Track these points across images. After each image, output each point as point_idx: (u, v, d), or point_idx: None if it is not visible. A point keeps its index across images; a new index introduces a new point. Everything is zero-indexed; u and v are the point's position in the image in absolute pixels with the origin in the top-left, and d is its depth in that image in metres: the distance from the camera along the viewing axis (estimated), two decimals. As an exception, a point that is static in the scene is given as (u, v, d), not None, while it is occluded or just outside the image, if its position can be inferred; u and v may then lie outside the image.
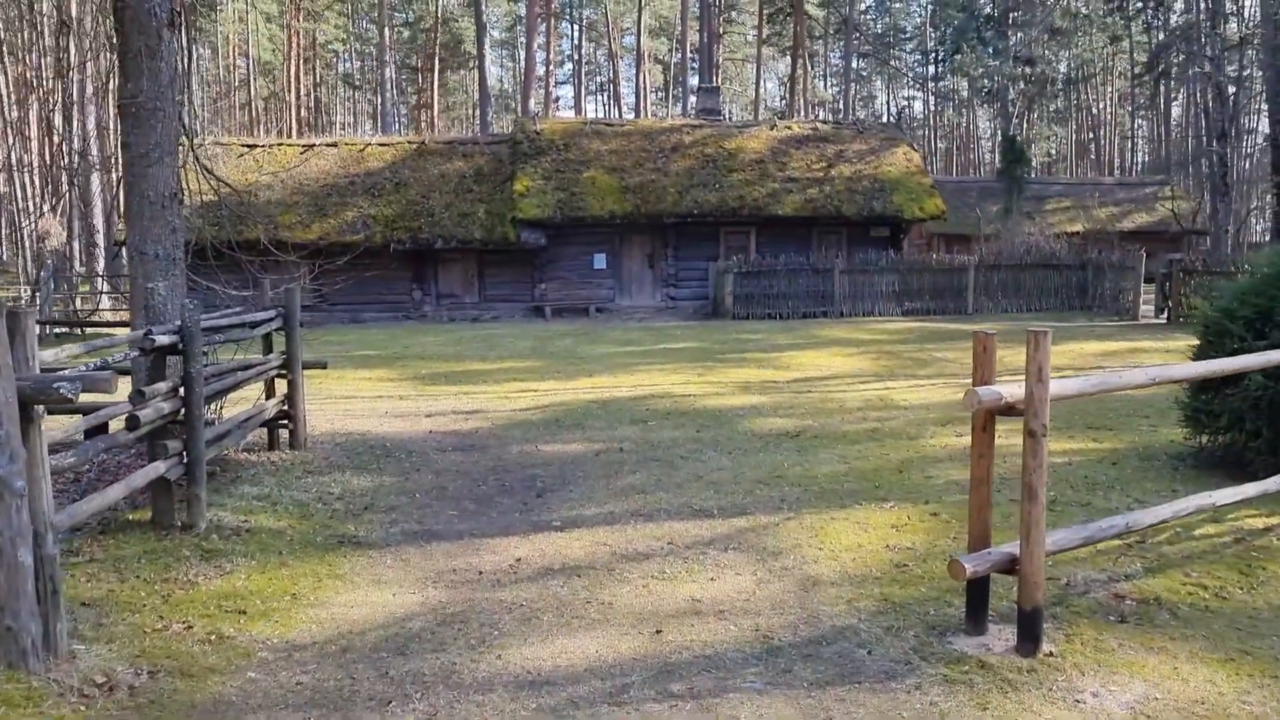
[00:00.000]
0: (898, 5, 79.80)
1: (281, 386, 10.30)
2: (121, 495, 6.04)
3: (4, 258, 55.35)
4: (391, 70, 44.87)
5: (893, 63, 72.09)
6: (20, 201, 40.71)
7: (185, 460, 6.89)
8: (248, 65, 66.76)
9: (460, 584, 6.26)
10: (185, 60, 10.45)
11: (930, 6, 75.45)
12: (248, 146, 28.42)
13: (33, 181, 39.37)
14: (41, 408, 4.50)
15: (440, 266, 27.47)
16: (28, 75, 42.79)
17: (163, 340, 6.56)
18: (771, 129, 30.30)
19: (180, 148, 9.50)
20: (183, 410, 6.85)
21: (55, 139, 35.72)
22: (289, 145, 28.81)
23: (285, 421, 10.05)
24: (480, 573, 6.47)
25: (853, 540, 6.93)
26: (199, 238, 25.34)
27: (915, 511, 7.59)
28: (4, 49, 39.73)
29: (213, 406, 9.09)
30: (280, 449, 10.12)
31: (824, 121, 31.81)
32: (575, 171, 27.74)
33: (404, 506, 8.14)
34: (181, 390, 6.84)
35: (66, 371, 4.98)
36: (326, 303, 27.06)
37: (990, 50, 53.58)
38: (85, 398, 5.00)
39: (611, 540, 7.12)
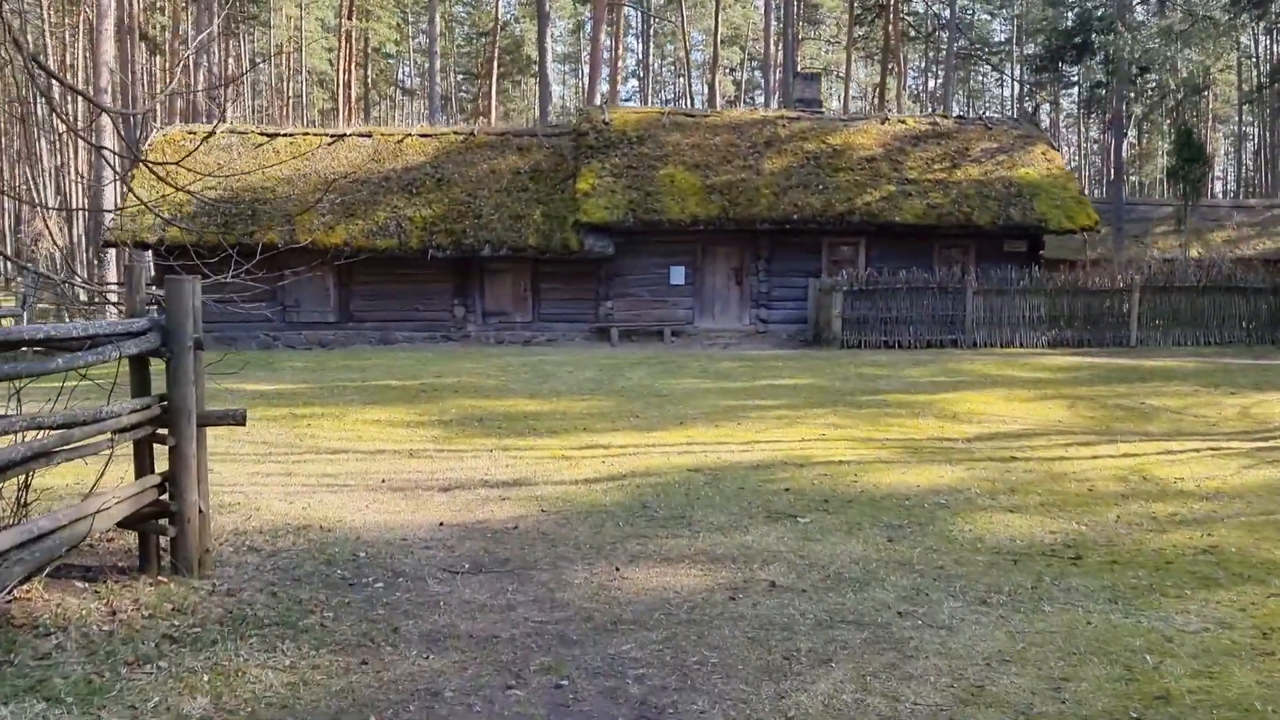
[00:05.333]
0: (982, 18, 74.46)
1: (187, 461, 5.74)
2: None
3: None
4: (438, 63, 40.78)
5: (994, 66, 66.89)
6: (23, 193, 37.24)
7: None
8: (302, 76, 63.53)
9: None
10: None
11: (1016, 21, 70.24)
12: (268, 135, 24.26)
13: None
14: None
15: (487, 278, 23.01)
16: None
17: None
18: (883, 123, 25.49)
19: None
20: None
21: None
22: (315, 134, 24.62)
23: (165, 523, 5.50)
24: None
25: None
26: (202, 238, 21.27)
27: None
28: None
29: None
30: (159, 571, 5.59)
31: (944, 115, 27.06)
32: (650, 168, 23.17)
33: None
34: None
35: None
36: (352, 320, 22.79)
37: (1102, 55, 48.43)
38: None
39: None
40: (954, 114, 27.28)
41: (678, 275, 23.28)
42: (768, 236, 23.10)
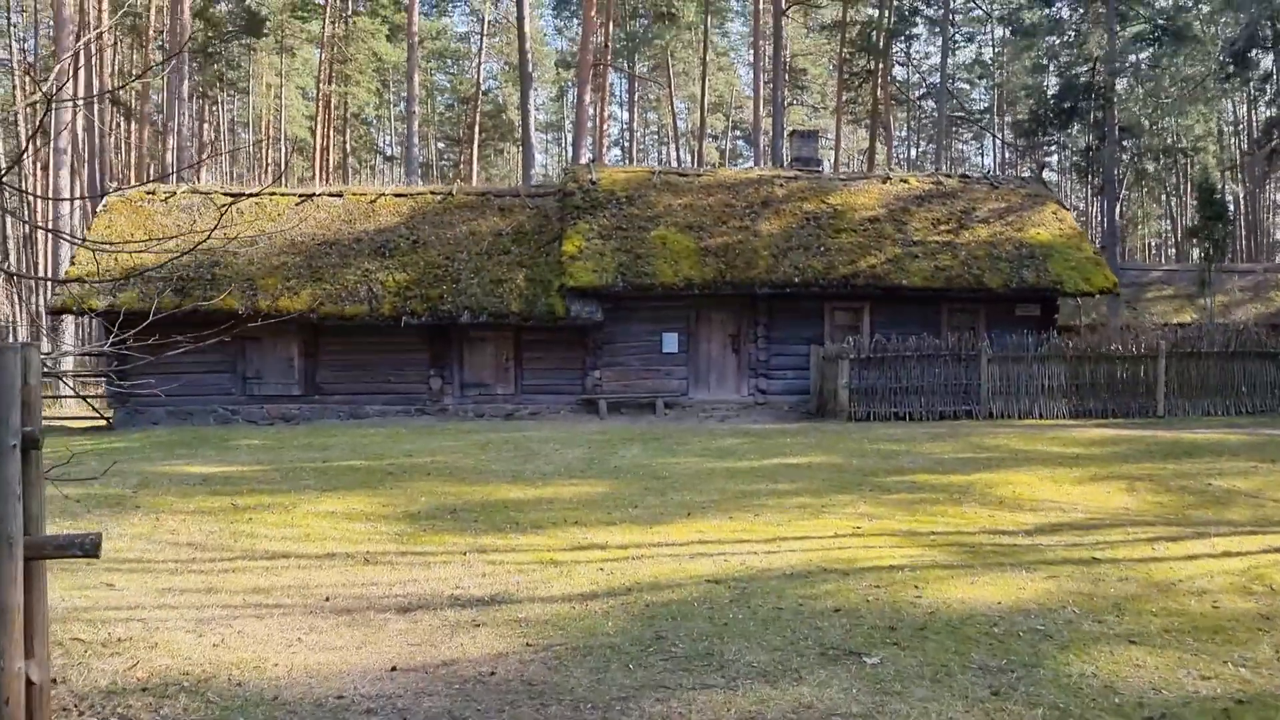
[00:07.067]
0: (962, 87, 74.27)
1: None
2: None
3: None
4: (416, 124, 39.56)
5: (983, 128, 66.47)
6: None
7: None
8: (282, 144, 62.50)
9: None
10: None
11: (997, 90, 70.11)
12: (232, 196, 22.72)
13: None
14: None
15: (466, 347, 21.35)
16: None
17: None
18: (884, 182, 24.20)
19: None
20: None
21: None
22: (282, 195, 23.06)
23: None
24: None
25: None
26: (159, 304, 19.58)
27: None
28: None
29: None
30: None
31: (947, 175, 25.82)
32: (640, 230, 21.71)
33: None
34: None
35: None
36: (319, 392, 21.06)
37: (1091, 119, 47.96)
38: None
39: None
40: (957, 173, 26.08)
41: (670, 343, 21.70)
42: (766, 301, 21.61)
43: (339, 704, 4.88)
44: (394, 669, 5.44)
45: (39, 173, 43.94)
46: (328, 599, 6.95)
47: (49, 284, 27.88)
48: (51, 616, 6.18)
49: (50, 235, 34.60)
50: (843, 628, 6.08)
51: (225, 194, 22.91)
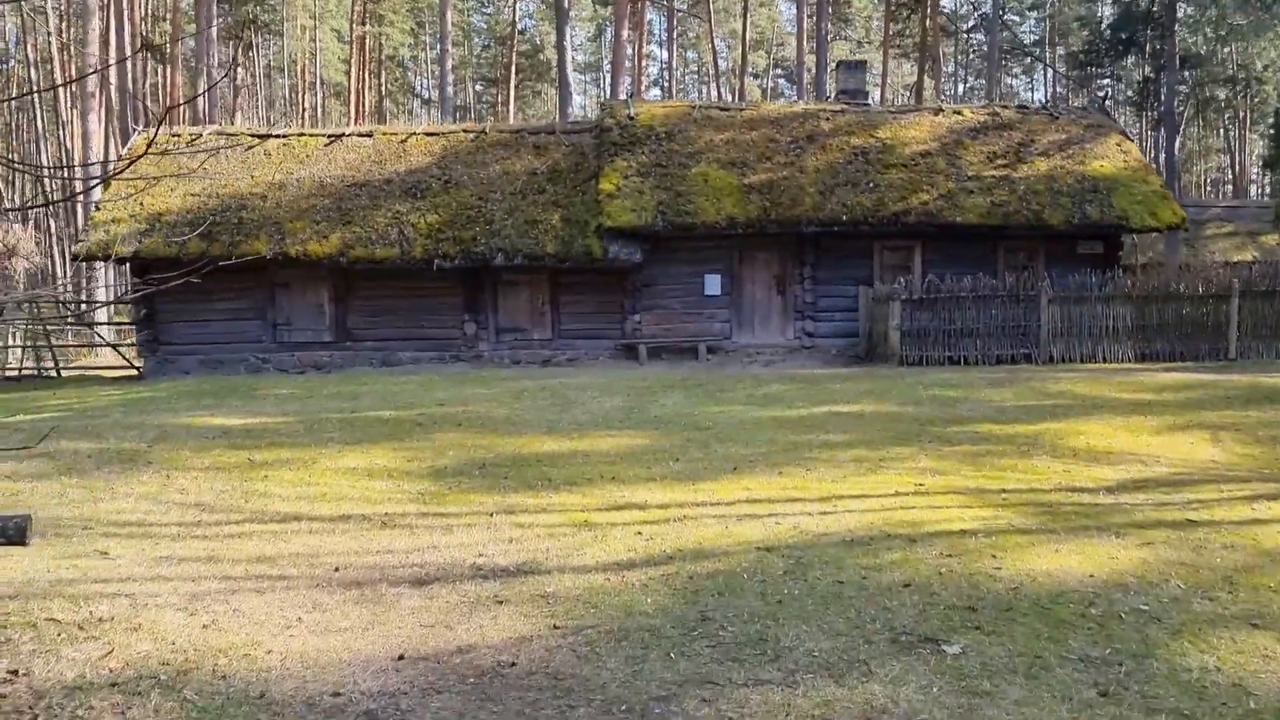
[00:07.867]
0: (1013, 19, 71.57)
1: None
2: None
3: None
4: (450, 63, 38.63)
5: (1036, 58, 64.13)
6: None
7: None
8: (318, 88, 61.73)
9: None
10: None
11: (1049, 21, 67.52)
12: (259, 137, 22.02)
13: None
14: None
15: (501, 291, 20.63)
16: None
17: None
18: (937, 114, 22.94)
19: None
20: None
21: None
22: (311, 135, 22.31)
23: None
24: None
25: None
26: (182, 251, 19.05)
27: None
28: None
29: None
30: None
31: (1004, 105, 24.49)
32: (681, 166, 20.75)
33: None
34: None
35: None
36: (351, 339, 20.47)
37: (1140, 55, 46.12)
38: None
39: None
40: (1014, 104, 24.64)
41: (713, 285, 20.83)
42: (812, 240, 20.64)
43: (334, 703, 4.22)
44: (401, 657, 4.77)
45: (76, 120, 43.69)
46: (337, 569, 6.30)
47: (78, 233, 27.48)
48: (32, 592, 5.59)
49: (84, 182, 34.19)
50: (915, 607, 5.32)
51: (252, 135, 22.20)
